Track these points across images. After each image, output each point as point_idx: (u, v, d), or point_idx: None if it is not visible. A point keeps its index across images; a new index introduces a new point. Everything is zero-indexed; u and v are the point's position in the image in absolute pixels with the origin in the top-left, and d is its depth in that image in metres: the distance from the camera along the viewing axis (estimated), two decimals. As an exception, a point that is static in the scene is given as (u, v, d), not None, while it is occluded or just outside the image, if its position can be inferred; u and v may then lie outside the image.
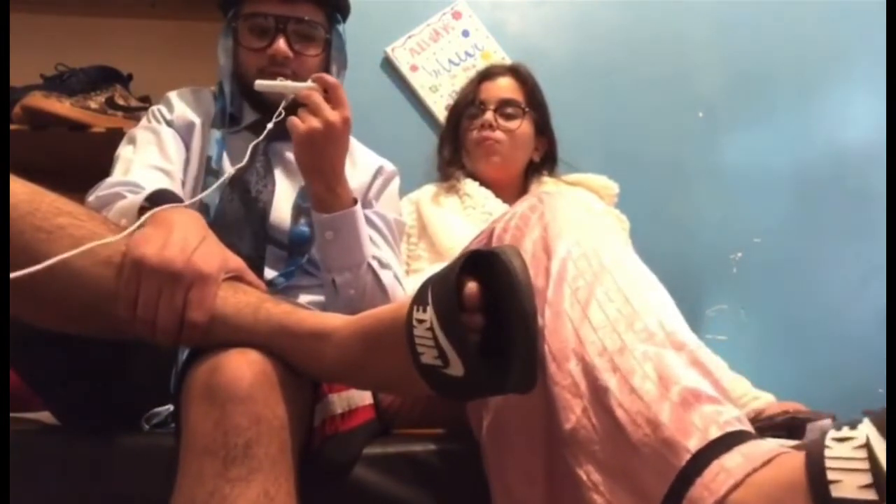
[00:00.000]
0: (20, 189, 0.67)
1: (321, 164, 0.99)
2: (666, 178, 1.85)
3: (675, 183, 1.85)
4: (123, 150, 1.15)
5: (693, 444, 0.54)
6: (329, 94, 0.99)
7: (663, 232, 1.74)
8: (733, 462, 0.52)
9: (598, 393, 0.60)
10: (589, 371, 0.62)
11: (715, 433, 0.54)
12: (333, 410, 0.78)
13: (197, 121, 1.18)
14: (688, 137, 1.88)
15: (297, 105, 1.02)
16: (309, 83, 1.01)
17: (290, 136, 0.99)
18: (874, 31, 1.90)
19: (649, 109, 1.86)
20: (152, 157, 1.12)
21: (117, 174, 1.09)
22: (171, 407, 0.87)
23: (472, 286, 0.61)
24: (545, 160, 1.46)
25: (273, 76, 1.10)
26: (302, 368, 0.68)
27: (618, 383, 0.59)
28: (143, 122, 1.20)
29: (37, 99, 1.47)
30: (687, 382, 0.58)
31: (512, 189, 1.41)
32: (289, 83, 1.04)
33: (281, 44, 1.12)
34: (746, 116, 1.90)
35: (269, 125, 1.01)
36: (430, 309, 0.60)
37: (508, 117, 1.38)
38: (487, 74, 1.45)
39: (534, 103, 1.42)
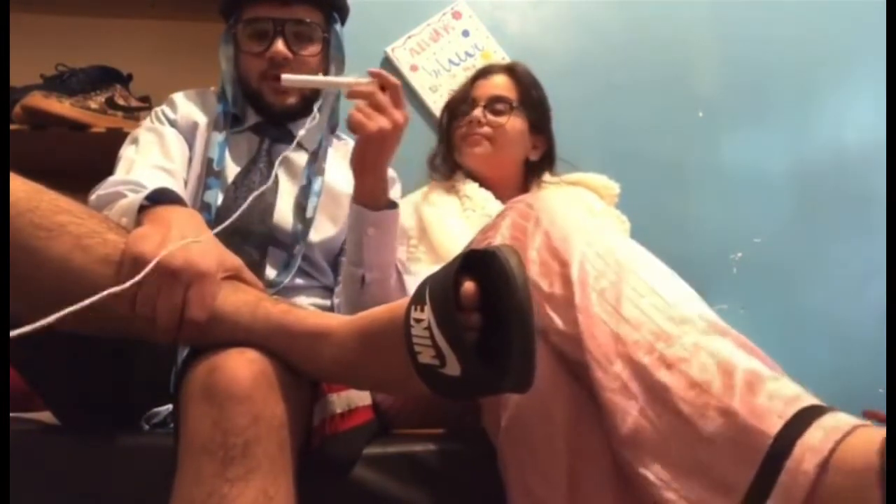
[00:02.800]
0: (20, 187, 0.66)
1: (379, 161, 1.00)
2: (666, 178, 1.84)
3: (675, 183, 1.85)
4: (126, 151, 1.15)
5: (770, 427, 0.53)
6: (387, 92, 0.99)
7: (663, 232, 1.73)
8: (815, 439, 0.51)
9: (656, 391, 0.59)
10: (639, 371, 0.61)
11: (789, 411, 0.53)
12: (333, 410, 0.78)
13: (201, 122, 1.19)
14: (688, 137, 1.88)
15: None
16: (363, 79, 1.00)
17: (352, 132, 0.99)
18: (874, 32, 1.90)
19: (649, 109, 1.86)
20: (155, 156, 1.12)
21: (120, 174, 1.09)
22: (170, 407, 0.87)
23: (469, 285, 0.61)
24: (544, 160, 1.46)
25: (274, 79, 1.11)
26: (300, 368, 0.68)
27: (675, 379, 0.58)
28: (147, 122, 1.20)
29: (37, 99, 1.47)
30: (746, 365, 0.57)
31: (512, 189, 1.41)
32: (333, 79, 1.03)
33: (279, 46, 1.13)
34: (746, 116, 1.90)
35: (309, 124, 1.06)
36: (427, 308, 0.60)
37: (497, 113, 1.38)
38: (483, 73, 1.45)
39: (528, 101, 1.41)
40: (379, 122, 0.96)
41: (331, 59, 1.22)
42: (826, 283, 1.83)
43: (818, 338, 1.79)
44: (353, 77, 1.01)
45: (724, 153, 1.88)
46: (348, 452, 0.79)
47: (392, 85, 0.99)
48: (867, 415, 1.35)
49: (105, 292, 0.61)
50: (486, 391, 0.65)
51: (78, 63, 1.60)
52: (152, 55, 1.77)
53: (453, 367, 0.60)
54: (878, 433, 0.51)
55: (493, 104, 1.38)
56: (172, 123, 1.18)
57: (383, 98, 0.97)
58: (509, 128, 1.37)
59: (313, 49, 1.17)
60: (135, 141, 1.16)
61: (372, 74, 0.99)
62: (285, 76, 1.02)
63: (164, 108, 1.21)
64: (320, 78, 1.04)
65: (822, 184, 1.88)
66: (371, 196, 1.01)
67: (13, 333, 0.54)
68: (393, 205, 1.04)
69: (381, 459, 0.81)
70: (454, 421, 0.90)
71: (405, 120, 0.98)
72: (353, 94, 0.99)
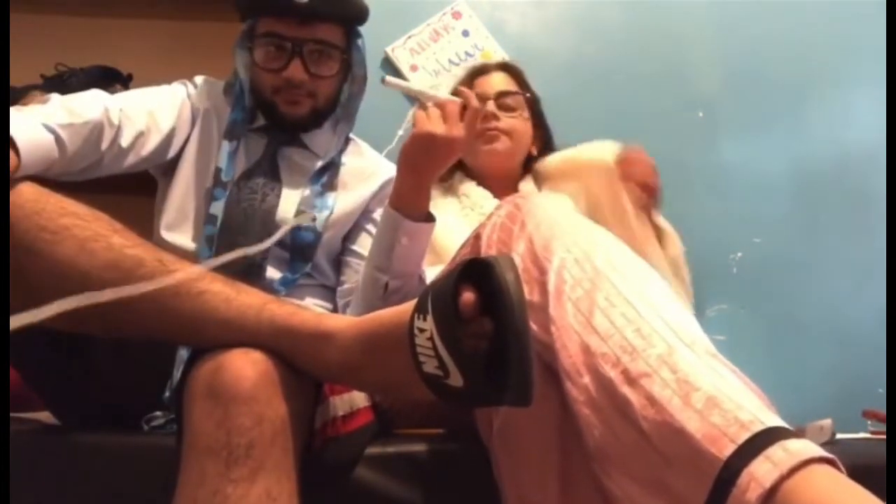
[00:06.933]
0: (26, 189, 0.67)
1: (425, 167, 1.00)
2: (666, 177, 1.83)
3: (675, 182, 1.84)
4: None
5: (722, 450, 0.53)
6: (465, 113, 1.00)
7: (663, 232, 1.74)
8: (762, 470, 0.51)
9: (620, 406, 0.59)
10: (606, 385, 0.60)
11: (742, 436, 0.53)
12: (335, 413, 0.78)
13: (211, 110, 1.18)
14: (687, 137, 1.87)
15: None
16: (450, 96, 1.03)
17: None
18: (874, 31, 1.89)
19: (649, 109, 1.86)
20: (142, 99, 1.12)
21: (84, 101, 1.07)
22: (172, 416, 0.87)
23: (468, 296, 0.61)
24: (542, 154, 1.46)
25: (289, 96, 1.13)
26: (305, 369, 0.68)
27: (637, 396, 0.58)
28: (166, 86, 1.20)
29: (36, 99, 1.47)
30: (706, 385, 0.57)
31: (509, 186, 1.40)
32: (426, 91, 1.07)
33: (296, 69, 1.11)
34: (746, 116, 1.90)
35: (400, 132, 1.11)
36: (430, 318, 0.60)
37: (507, 108, 1.37)
38: (480, 71, 1.44)
39: (529, 96, 1.42)
40: (433, 127, 0.97)
41: (350, 76, 1.21)
42: (826, 282, 1.83)
43: (818, 338, 1.79)
44: (445, 94, 1.05)
45: (724, 153, 1.88)
46: (349, 454, 0.80)
47: (472, 107, 1.00)
48: (867, 415, 1.35)
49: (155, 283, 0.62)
50: (490, 403, 0.65)
51: (78, 63, 1.60)
52: (152, 55, 1.76)
53: (456, 379, 0.59)
54: (828, 477, 0.51)
55: (503, 98, 1.37)
56: (189, 97, 1.18)
57: (454, 111, 0.99)
58: (522, 122, 1.38)
59: (331, 69, 1.15)
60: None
61: (460, 94, 1.02)
62: (389, 78, 1.09)
63: (189, 84, 1.21)
64: (416, 87, 1.09)
65: (822, 184, 1.88)
66: (409, 201, 1.01)
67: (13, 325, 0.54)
68: (430, 218, 1.04)
69: (381, 459, 0.81)
70: (454, 421, 0.90)
71: (462, 139, 0.99)
72: (437, 106, 1.01)
